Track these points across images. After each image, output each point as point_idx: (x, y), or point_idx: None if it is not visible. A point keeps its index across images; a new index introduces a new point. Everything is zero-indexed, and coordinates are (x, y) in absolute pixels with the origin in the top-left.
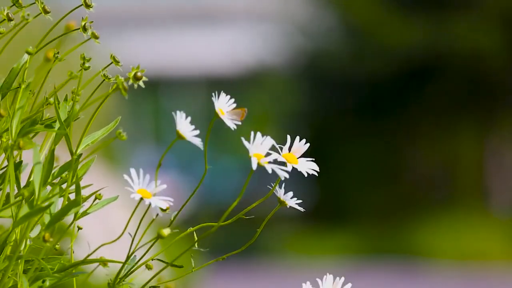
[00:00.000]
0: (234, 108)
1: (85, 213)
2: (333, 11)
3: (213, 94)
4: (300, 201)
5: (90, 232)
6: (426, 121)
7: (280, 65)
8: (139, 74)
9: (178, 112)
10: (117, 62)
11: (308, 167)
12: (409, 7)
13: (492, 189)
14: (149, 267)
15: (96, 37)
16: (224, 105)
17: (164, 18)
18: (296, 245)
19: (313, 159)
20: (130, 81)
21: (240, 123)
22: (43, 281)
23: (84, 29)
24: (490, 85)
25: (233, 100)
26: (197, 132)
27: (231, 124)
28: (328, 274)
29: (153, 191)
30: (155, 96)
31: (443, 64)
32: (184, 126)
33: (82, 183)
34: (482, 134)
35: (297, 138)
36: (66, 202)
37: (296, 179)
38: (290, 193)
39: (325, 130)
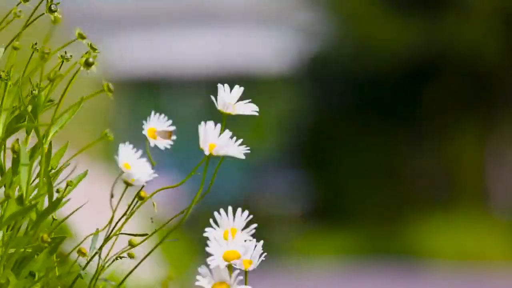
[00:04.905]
0: (161, 131)
1: (64, 203)
2: (332, 13)
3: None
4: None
5: (87, 231)
6: (426, 121)
7: (280, 66)
8: (90, 60)
9: (120, 145)
10: (94, 49)
11: (249, 109)
12: (408, 7)
13: (492, 189)
14: (131, 243)
15: (83, 38)
16: (158, 124)
17: (164, 18)
18: (296, 245)
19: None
20: (82, 67)
21: (171, 142)
22: (31, 273)
23: (51, 10)
24: (490, 85)
25: (165, 118)
26: (147, 165)
27: (163, 145)
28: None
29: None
30: (155, 96)
31: (443, 64)
32: (130, 157)
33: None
34: (482, 134)
35: (226, 86)
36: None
37: (296, 180)
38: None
39: (325, 130)
